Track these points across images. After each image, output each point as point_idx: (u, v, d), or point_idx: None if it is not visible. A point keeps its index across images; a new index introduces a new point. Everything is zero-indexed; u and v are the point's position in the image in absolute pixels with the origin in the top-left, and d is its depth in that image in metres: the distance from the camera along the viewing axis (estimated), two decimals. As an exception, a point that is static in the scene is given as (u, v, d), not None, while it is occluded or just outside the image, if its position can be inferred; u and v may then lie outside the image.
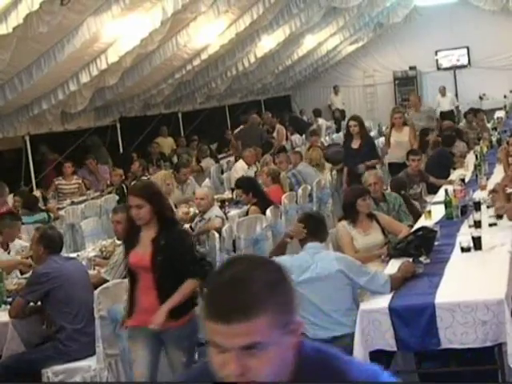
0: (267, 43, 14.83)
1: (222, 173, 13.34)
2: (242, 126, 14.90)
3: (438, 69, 21.17)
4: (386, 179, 8.87)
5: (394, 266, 5.06)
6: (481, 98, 20.36)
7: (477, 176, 8.55)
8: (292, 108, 22.33)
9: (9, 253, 6.70)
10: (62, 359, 4.99)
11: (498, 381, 4.36)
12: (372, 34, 20.55)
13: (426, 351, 4.57)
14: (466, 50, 20.67)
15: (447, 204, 6.59)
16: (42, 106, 10.72)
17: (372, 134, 16.97)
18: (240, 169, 11.86)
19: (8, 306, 5.26)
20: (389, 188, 7.74)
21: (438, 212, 6.73)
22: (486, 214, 6.12)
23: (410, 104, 14.96)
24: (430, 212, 6.76)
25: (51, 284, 5.00)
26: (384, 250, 5.78)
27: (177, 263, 4.34)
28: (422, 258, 5.14)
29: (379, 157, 10.36)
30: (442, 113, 18.47)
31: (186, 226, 7.67)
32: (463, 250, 5.25)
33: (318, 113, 19.37)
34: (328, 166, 11.47)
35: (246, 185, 8.35)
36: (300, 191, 9.69)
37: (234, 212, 8.74)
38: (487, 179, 8.16)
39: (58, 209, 10.22)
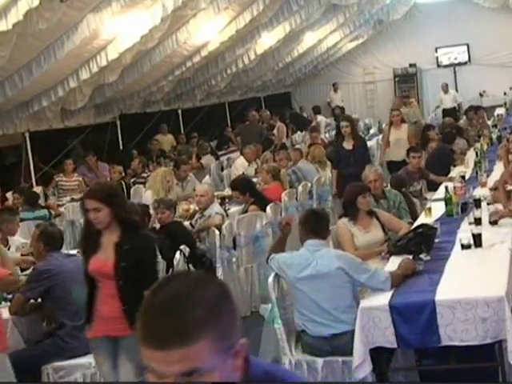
0: (267, 40, 14.80)
1: (222, 170, 13.31)
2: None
3: (438, 66, 21.14)
4: (385, 178, 8.85)
5: (394, 263, 5.06)
6: (481, 95, 20.33)
7: (477, 173, 8.55)
8: (292, 105, 22.31)
9: (9, 249, 6.67)
10: (62, 356, 5.00)
11: (498, 377, 4.36)
12: (372, 31, 20.51)
13: (426, 348, 4.58)
14: (465, 47, 20.65)
15: (447, 201, 6.59)
16: (42, 103, 10.72)
17: (372, 131, 17.04)
18: (240, 166, 11.87)
19: (8, 303, 5.26)
20: (389, 185, 7.74)
21: (438, 209, 6.72)
22: (486, 211, 6.11)
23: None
24: (430, 209, 6.74)
25: (51, 281, 5.00)
26: (384, 247, 5.78)
27: (142, 269, 4.09)
28: (422, 255, 5.13)
29: (370, 159, 9.94)
30: (444, 110, 18.47)
31: (186, 222, 7.69)
32: (463, 247, 5.25)
33: (317, 110, 19.35)
34: (329, 163, 11.45)
35: (242, 185, 8.30)
36: (300, 188, 9.68)
37: (234, 209, 8.72)
38: (487, 176, 8.17)
39: (58, 206, 10.23)
